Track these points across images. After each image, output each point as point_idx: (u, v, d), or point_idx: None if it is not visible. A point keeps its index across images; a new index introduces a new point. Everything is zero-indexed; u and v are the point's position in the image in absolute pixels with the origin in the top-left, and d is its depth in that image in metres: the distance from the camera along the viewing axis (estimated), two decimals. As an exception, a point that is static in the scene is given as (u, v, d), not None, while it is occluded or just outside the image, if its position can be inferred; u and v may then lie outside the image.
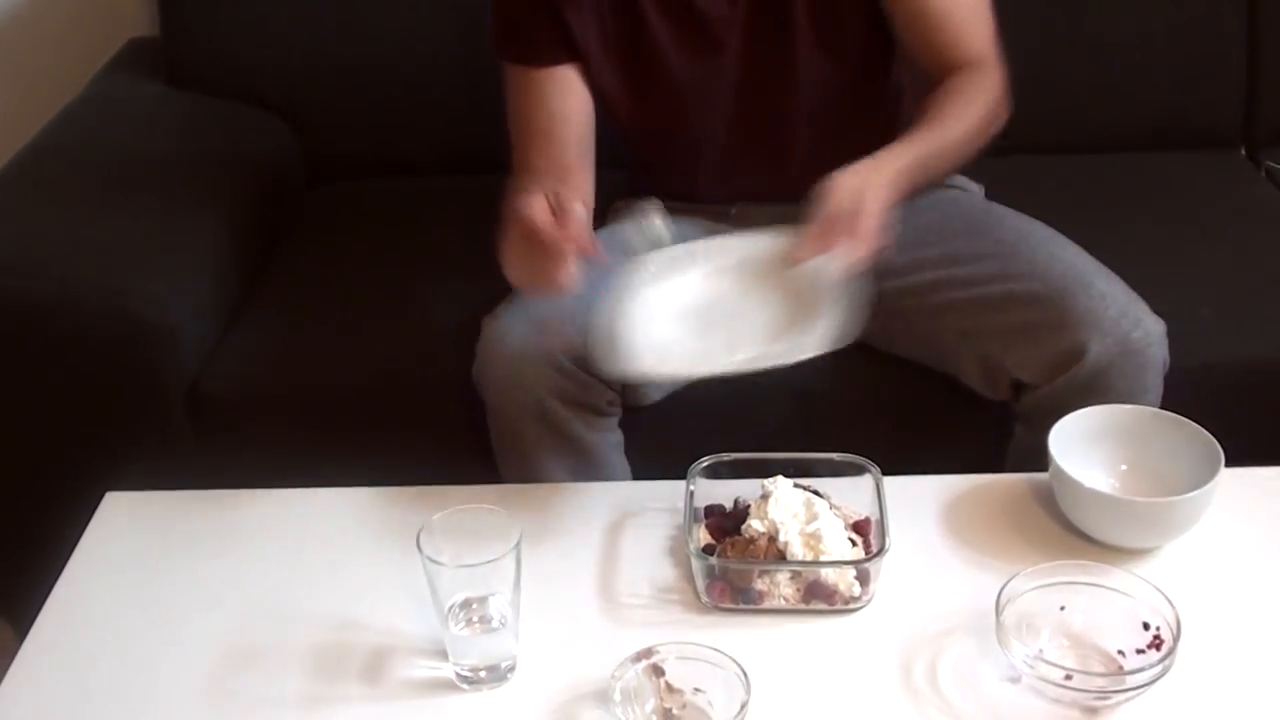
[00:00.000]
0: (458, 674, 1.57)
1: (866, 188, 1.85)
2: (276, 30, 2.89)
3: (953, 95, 2.05)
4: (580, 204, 1.83)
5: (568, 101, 2.15)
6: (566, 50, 2.13)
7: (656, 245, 1.86)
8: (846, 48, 2.15)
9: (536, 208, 1.80)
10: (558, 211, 1.80)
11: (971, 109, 2.05)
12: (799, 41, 2.12)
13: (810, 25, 2.11)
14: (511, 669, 1.58)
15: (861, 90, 2.23)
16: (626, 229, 1.84)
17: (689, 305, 1.87)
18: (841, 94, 2.21)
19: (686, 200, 2.32)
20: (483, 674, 1.57)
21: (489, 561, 1.53)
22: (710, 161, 2.28)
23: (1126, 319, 1.99)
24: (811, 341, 1.75)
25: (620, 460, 2.14)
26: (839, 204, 1.83)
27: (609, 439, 2.11)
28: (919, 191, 1.98)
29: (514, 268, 1.88)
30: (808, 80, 2.16)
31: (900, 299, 2.14)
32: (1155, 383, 2.02)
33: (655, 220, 1.82)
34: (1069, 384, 1.97)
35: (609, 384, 2.05)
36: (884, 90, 2.26)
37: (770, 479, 1.74)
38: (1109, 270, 2.07)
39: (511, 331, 2.03)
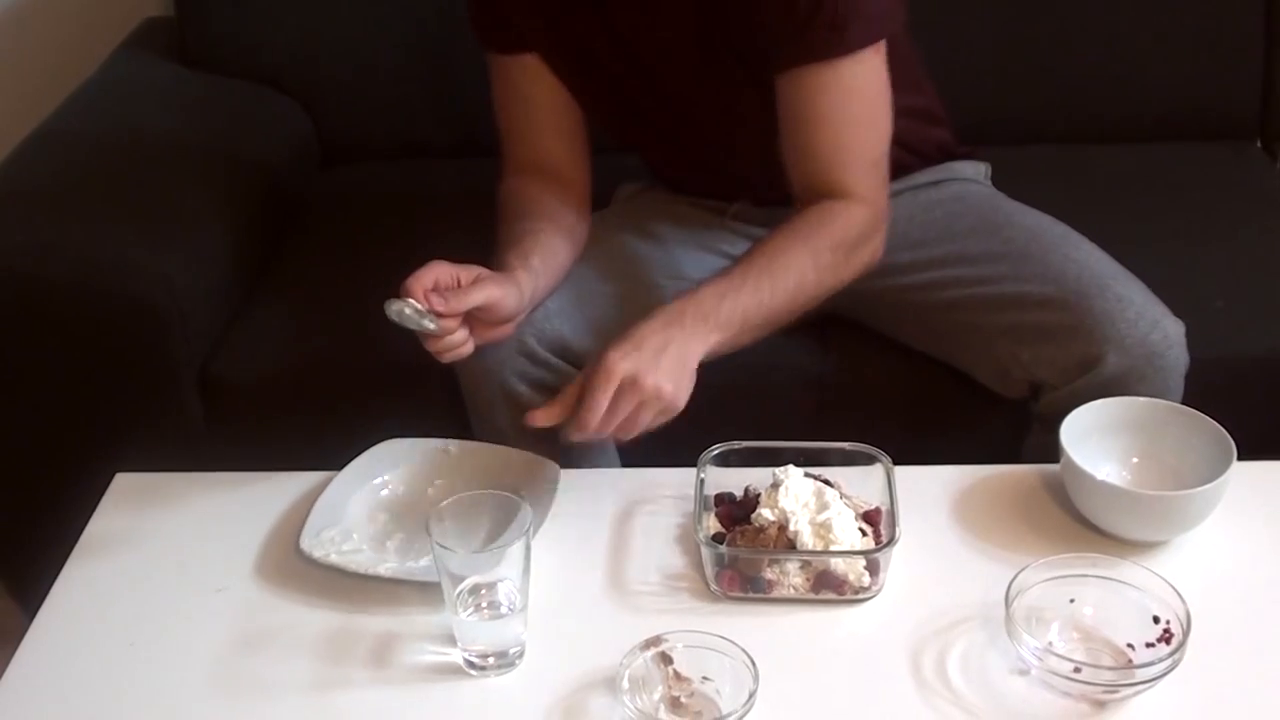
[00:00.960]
0: (466, 660, 1.57)
1: (641, 370, 1.76)
2: (292, 12, 2.89)
3: (778, 235, 1.96)
4: (493, 287, 1.83)
5: (538, 89, 2.13)
6: (520, 43, 2.11)
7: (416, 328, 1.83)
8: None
9: (427, 274, 1.82)
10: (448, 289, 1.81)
11: (796, 250, 1.95)
12: (726, 77, 2.06)
13: (735, 64, 2.04)
14: (520, 655, 1.58)
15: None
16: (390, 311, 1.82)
17: None
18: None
19: (686, 194, 2.33)
20: (491, 660, 1.57)
21: (498, 547, 1.54)
22: (693, 164, 2.28)
23: (1145, 321, 1.96)
24: None
25: (606, 449, 2.10)
26: (606, 391, 1.76)
27: None
28: (739, 343, 1.91)
29: None
30: (746, 108, 2.10)
31: (907, 294, 2.13)
32: (1176, 385, 1.99)
33: (406, 309, 1.80)
34: (1088, 387, 1.94)
35: (578, 367, 2.01)
36: None
37: (781, 468, 1.73)
38: (1126, 271, 2.05)
39: None
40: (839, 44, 1.92)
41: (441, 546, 1.52)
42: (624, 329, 1.84)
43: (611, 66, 2.09)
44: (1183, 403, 1.80)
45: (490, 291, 1.81)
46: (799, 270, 1.93)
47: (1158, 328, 1.97)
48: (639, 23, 2.03)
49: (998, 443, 2.10)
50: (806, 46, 1.92)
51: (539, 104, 2.13)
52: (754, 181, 2.23)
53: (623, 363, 1.75)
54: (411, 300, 1.77)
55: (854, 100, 1.97)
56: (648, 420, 1.78)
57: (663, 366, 1.77)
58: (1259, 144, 2.94)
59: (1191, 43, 2.85)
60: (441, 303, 1.79)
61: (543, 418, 1.79)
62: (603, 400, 1.74)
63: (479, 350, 1.93)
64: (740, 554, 1.66)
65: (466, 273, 1.82)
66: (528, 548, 1.55)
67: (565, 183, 2.13)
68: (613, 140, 2.26)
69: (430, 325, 1.79)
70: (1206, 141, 2.89)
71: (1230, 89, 2.91)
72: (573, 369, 2.01)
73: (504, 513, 1.60)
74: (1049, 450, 1.84)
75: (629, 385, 1.75)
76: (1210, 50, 2.86)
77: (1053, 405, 1.99)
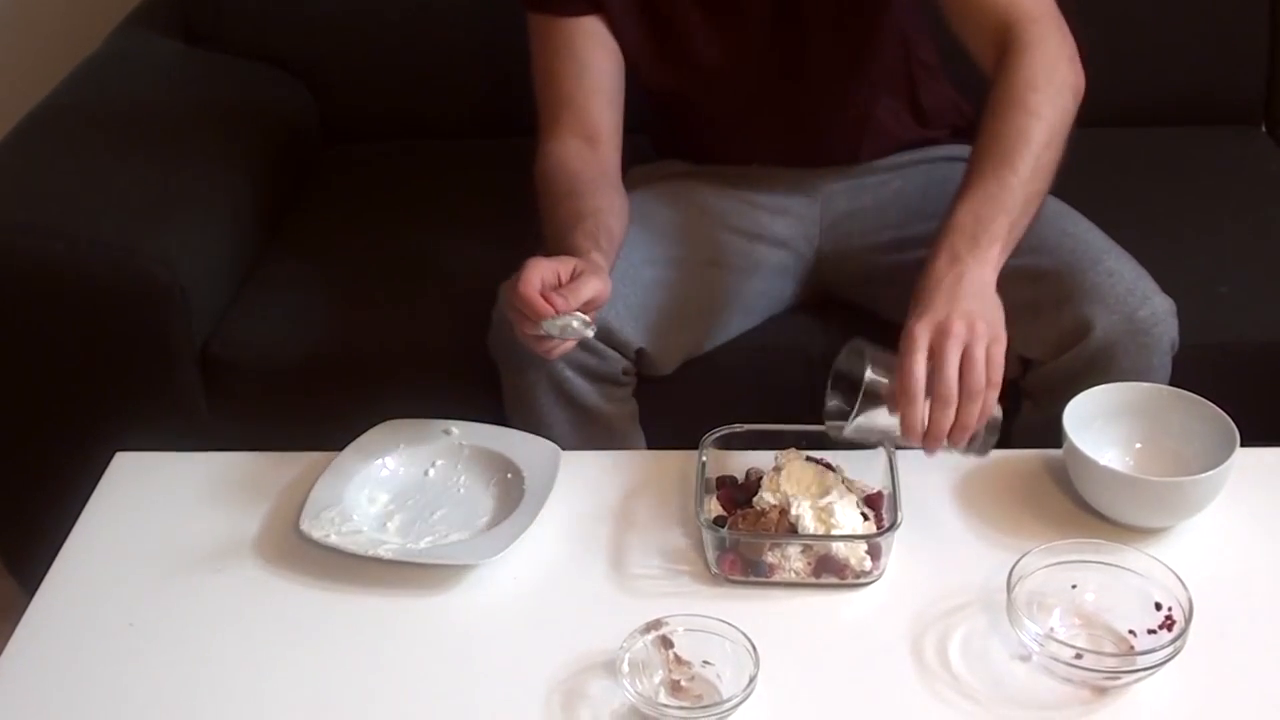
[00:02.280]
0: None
1: (940, 320, 1.66)
2: (295, -10, 2.89)
3: (990, 113, 1.87)
4: (595, 280, 1.78)
5: (595, 52, 2.13)
6: (591, 2, 2.11)
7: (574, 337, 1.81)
8: (862, 17, 2.13)
9: (534, 275, 1.76)
10: (562, 282, 1.76)
11: (1013, 114, 1.85)
12: (813, 13, 2.10)
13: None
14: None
15: (875, 48, 2.20)
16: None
17: None
18: (853, 61, 2.19)
19: (704, 160, 2.33)
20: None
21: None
22: (728, 125, 2.27)
23: (1134, 296, 1.96)
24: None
25: (636, 430, 2.13)
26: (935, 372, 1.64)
27: (625, 409, 2.11)
28: (1018, 235, 1.80)
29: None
30: (823, 52, 2.14)
31: (906, 272, 2.14)
32: (1162, 362, 1.99)
33: (574, 322, 1.78)
34: (1075, 360, 1.95)
35: (624, 353, 2.04)
36: (894, 40, 2.22)
37: (783, 451, 1.73)
38: (1120, 247, 2.05)
39: None
40: None
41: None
42: (666, 314, 1.85)
43: (691, 12, 2.12)
44: (1186, 388, 1.80)
45: (594, 284, 1.77)
46: (1025, 137, 1.83)
47: (1147, 303, 1.96)
48: None
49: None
50: None
51: (595, 69, 2.13)
52: (794, 137, 2.25)
53: (919, 324, 1.65)
54: (578, 314, 1.74)
55: None
56: (982, 360, 1.63)
57: (961, 304, 1.67)
58: (1264, 129, 2.93)
59: (1197, 27, 2.84)
60: (563, 302, 1.73)
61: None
62: (916, 366, 1.62)
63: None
64: (741, 538, 1.65)
65: (564, 266, 1.79)
66: None
67: (608, 151, 2.13)
68: (653, 107, 2.27)
69: (589, 332, 1.76)
70: (1211, 126, 2.88)
71: (1235, 74, 2.90)
72: (618, 355, 2.03)
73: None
74: (1039, 427, 1.85)
75: (939, 337, 1.64)
76: (1215, 35, 2.85)
77: (1040, 380, 1.99)
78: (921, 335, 1.64)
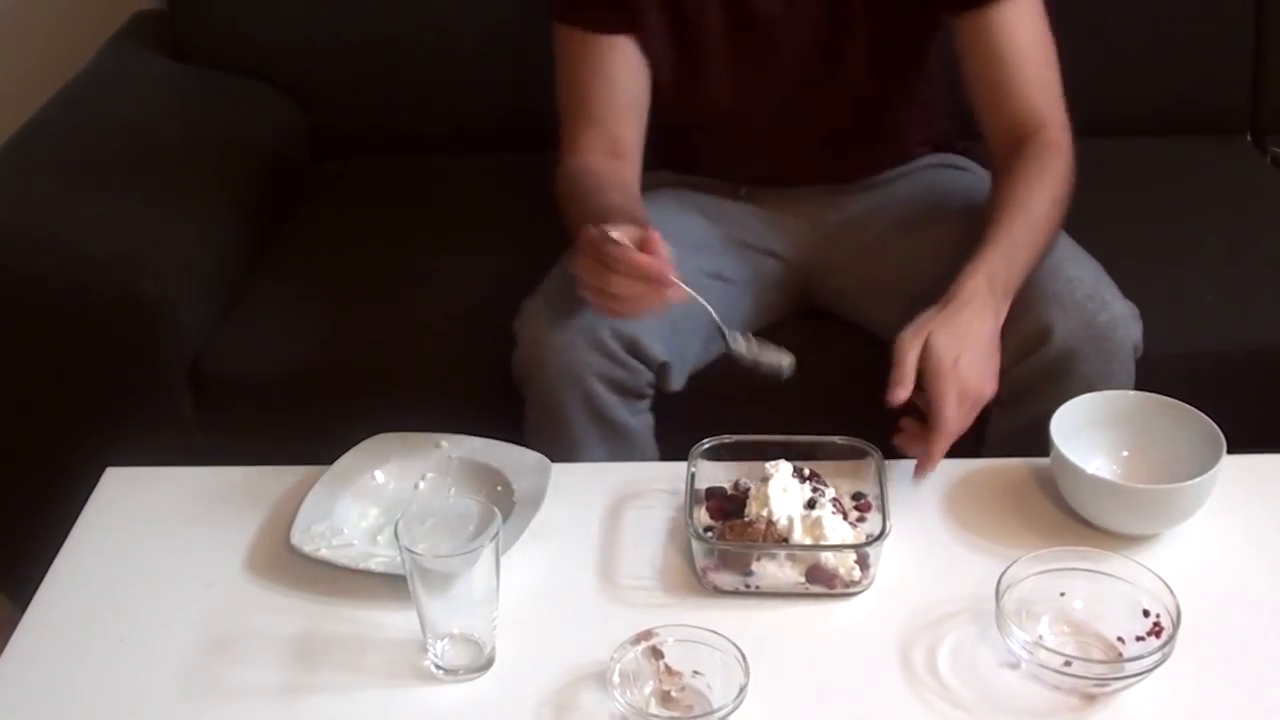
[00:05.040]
0: (434, 664, 1.57)
1: (969, 384, 1.81)
2: (283, 5, 2.89)
3: (1020, 184, 2.00)
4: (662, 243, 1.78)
5: (626, 71, 2.13)
6: (627, 20, 2.10)
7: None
8: (899, 55, 2.16)
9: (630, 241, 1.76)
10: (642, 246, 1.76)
11: (1039, 193, 2.00)
12: (850, 48, 2.11)
13: (865, 33, 2.10)
14: (489, 664, 1.58)
15: (900, 85, 2.24)
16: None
17: None
18: (883, 91, 2.21)
19: (698, 174, 2.34)
20: (460, 670, 1.57)
21: (466, 552, 1.53)
22: (736, 145, 2.28)
23: (1093, 302, 1.98)
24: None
25: (651, 442, 2.13)
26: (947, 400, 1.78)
27: (645, 422, 2.11)
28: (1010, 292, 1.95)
29: (593, 289, 1.81)
30: (853, 83, 2.16)
31: (890, 282, 2.16)
32: (1125, 367, 2.00)
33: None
34: (1037, 366, 1.96)
35: (650, 366, 2.05)
36: (919, 80, 2.26)
37: (771, 462, 1.73)
38: (1084, 253, 2.08)
39: (557, 315, 2.01)
40: None
41: (409, 550, 1.52)
42: (681, 328, 1.96)
43: (722, 38, 2.13)
44: (1172, 396, 1.80)
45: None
46: (1046, 214, 1.99)
47: (1106, 308, 1.99)
48: None
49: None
50: None
51: (626, 88, 2.13)
52: (805, 162, 2.28)
53: (955, 369, 1.78)
54: (786, 351, 1.81)
55: (1040, 27, 2.07)
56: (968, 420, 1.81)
57: (986, 367, 1.84)
58: (1249, 138, 2.95)
59: (1182, 37, 2.86)
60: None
61: (904, 393, 1.79)
62: (953, 407, 1.78)
63: (556, 348, 1.98)
64: (730, 548, 1.66)
65: (635, 232, 1.79)
66: (497, 552, 1.54)
67: (631, 167, 2.14)
68: (660, 119, 2.23)
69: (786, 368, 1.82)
70: (1197, 135, 2.90)
71: (1220, 83, 2.91)
72: (643, 366, 2.04)
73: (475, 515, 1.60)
74: (1009, 432, 1.90)
75: (963, 396, 1.79)
76: (1201, 45, 2.87)
77: (1005, 385, 1.99)
78: (955, 381, 1.79)
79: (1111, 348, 1.98)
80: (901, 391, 1.77)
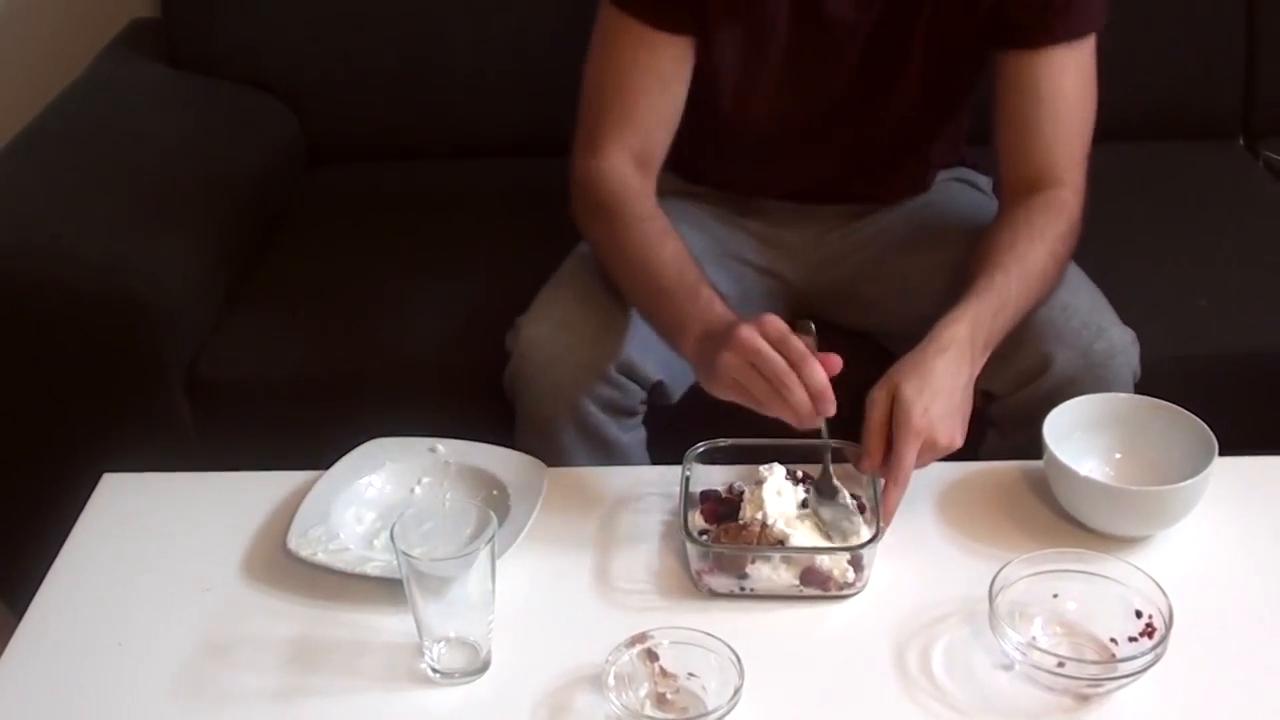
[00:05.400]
0: (430, 668, 1.58)
1: (939, 432, 1.73)
2: (278, 12, 2.89)
3: (1022, 236, 1.94)
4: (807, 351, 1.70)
5: (678, 76, 2.03)
6: (695, 21, 2.01)
7: None
8: (947, 84, 2.13)
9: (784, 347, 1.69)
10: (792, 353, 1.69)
11: (1040, 249, 1.93)
12: (908, 66, 2.06)
13: (923, 50, 2.05)
14: (485, 666, 1.58)
15: (940, 114, 2.22)
16: None
17: None
18: (924, 117, 2.19)
19: (707, 184, 2.31)
20: (456, 673, 1.57)
21: (462, 556, 1.53)
22: (759, 156, 2.25)
23: (1089, 330, 1.98)
24: None
25: (643, 455, 2.13)
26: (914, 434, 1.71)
27: (637, 436, 2.11)
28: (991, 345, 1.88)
29: (737, 390, 1.72)
30: (900, 103, 2.12)
31: (875, 298, 2.17)
32: (1125, 391, 1.98)
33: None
34: (1036, 394, 1.96)
35: (644, 386, 2.05)
36: (957, 110, 2.25)
37: (765, 465, 1.74)
38: (1079, 275, 2.07)
39: (553, 337, 2.01)
40: (1087, 24, 2.01)
41: (405, 554, 1.52)
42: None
43: (788, 41, 2.05)
44: (1165, 398, 1.81)
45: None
46: (1043, 269, 1.93)
47: (1103, 335, 1.98)
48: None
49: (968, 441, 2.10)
50: (1065, 25, 1.98)
51: (674, 93, 2.04)
52: (832, 180, 2.25)
53: (923, 420, 1.71)
54: None
55: (1085, 83, 2.04)
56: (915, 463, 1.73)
57: (956, 419, 1.76)
58: (1241, 142, 2.95)
59: (1175, 42, 2.86)
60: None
61: (870, 465, 1.74)
62: (910, 461, 1.70)
63: (549, 369, 1.97)
64: (725, 551, 1.66)
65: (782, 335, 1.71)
66: (493, 556, 1.54)
67: (652, 177, 2.07)
68: (686, 126, 2.16)
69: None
70: (1189, 140, 2.91)
71: (1213, 87, 2.92)
72: (636, 386, 2.03)
73: (471, 519, 1.61)
74: (1006, 454, 1.89)
75: (928, 447, 1.72)
76: (1193, 48, 2.88)
77: (1002, 411, 2.02)
78: (923, 431, 1.71)
79: (1110, 375, 1.98)
80: (868, 463, 1.74)
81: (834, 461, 1.78)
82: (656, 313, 1.91)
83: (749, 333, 1.68)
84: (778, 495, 1.69)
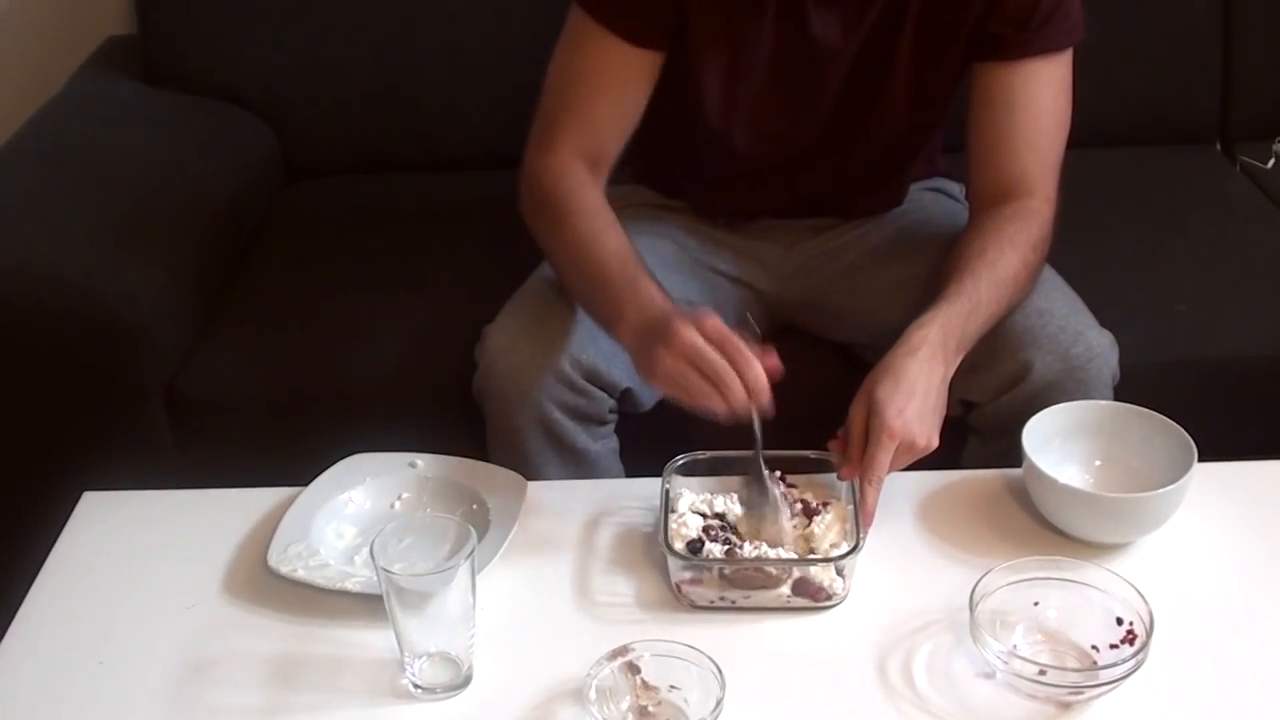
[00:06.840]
0: (412, 683, 1.58)
1: (913, 433, 1.74)
2: (255, 28, 2.89)
3: (992, 243, 1.95)
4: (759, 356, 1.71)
5: (640, 89, 2.03)
6: (667, 38, 2.01)
7: None
8: (930, 101, 2.12)
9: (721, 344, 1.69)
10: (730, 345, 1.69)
11: (1011, 256, 1.94)
12: (893, 83, 2.06)
13: (907, 72, 2.05)
14: (467, 682, 1.58)
15: (922, 132, 2.22)
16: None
17: None
18: (907, 137, 2.20)
19: (681, 200, 2.32)
20: (438, 689, 1.57)
21: (442, 571, 1.53)
22: (738, 178, 2.25)
23: (1066, 334, 1.98)
24: None
25: (616, 465, 2.13)
26: (889, 437, 1.72)
27: (608, 445, 2.11)
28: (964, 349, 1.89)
29: (673, 385, 1.73)
30: (886, 119, 2.11)
31: (847, 308, 2.18)
32: (1104, 395, 1.99)
33: None
34: (1015, 400, 1.96)
35: (611, 393, 2.05)
36: (935, 129, 2.26)
37: (744, 477, 1.74)
38: (1055, 279, 2.08)
39: (516, 344, 2.01)
40: (1066, 38, 2.02)
41: (385, 570, 1.52)
42: None
43: (771, 64, 2.05)
44: (1144, 405, 1.81)
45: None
46: (1014, 275, 1.94)
47: (1080, 339, 1.99)
48: (844, 15, 2.01)
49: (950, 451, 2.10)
50: (1044, 39, 1.99)
51: (632, 105, 2.04)
52: (810, 199, 2.26)
53: (898, 420, 1.72)
54: None
55: (1061, 94, 2.04)
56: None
57: (931, 419, 1.77)
58: (1218, 147, 2.96)
59: (1151, 47, 2.87)
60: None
61: (850, 472, 1.75)
62: (885, 462, 1.72)
63: (513, 377, 1.97)
64: (706, 563, 1.66)
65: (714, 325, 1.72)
66: (473, 571, 1.54)
67: (602, 182, 2.06)
68: (664, 143, 2.21)
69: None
70: (1167, 145, 2.92)
71: (1190, 92, 2.93)
72: (604, 394, 2.03)
73: (451, 534, 1.60)
74: (987, 461, 1.89)
75: (904, 448, 1.73)
76: (1170, 54, 2.89)
77: (983, 419, 2.02)
78: (897, 432, 1.72)
79: (1089, 379, 1.98)
80: (848, 470, 1.75)
81: (818, 472, 1.79)
82: (596, 302, 1.92)
83: (688, 332, 1.69)
84: (758, 506, 1.71)
